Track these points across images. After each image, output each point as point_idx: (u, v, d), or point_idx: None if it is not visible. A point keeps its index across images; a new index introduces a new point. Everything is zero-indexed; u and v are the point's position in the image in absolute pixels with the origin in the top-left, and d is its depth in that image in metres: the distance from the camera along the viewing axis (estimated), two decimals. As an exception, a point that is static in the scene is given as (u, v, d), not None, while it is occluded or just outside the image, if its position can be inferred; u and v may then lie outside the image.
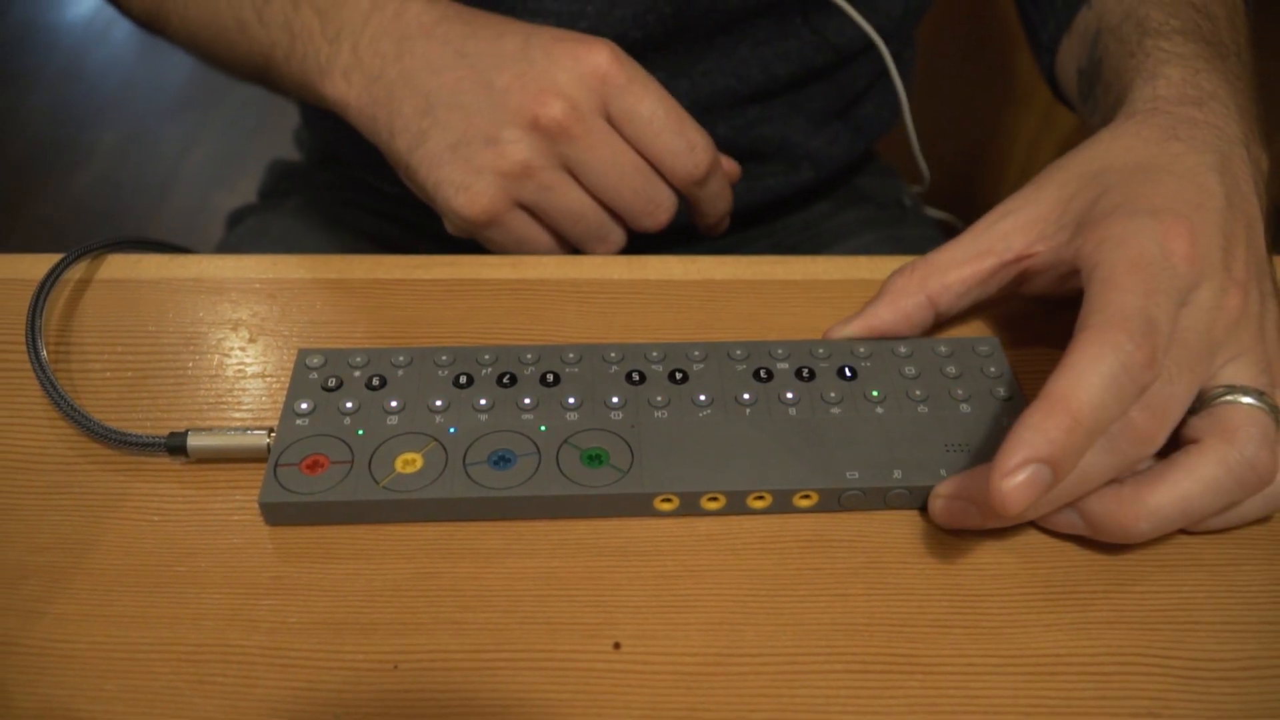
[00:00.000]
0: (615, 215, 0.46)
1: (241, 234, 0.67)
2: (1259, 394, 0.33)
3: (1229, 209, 0.36)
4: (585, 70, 0.43)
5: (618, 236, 0.47)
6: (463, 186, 0.44)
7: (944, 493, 0.34)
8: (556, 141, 0.43)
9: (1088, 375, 0.30)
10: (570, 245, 0.47)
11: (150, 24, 0.56)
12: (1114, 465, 0.32)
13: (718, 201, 0.49)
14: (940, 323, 0.41)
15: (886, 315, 0.40)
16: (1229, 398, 0.33)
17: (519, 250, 0.46)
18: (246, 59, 0.51)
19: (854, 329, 0.40)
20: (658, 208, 0.46)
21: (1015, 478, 0.30)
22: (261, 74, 0.52)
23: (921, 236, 0.69)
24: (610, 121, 0.44)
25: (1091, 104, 0.50)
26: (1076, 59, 0.52)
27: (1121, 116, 0.41)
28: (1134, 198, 0.35)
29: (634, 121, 0.44)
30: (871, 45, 0.54)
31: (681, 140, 0.45)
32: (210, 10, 0.51)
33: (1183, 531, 0.35)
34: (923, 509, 0.35)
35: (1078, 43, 0.53)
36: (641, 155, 0.45)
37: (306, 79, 0.47)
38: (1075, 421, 0.30)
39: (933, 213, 0.71)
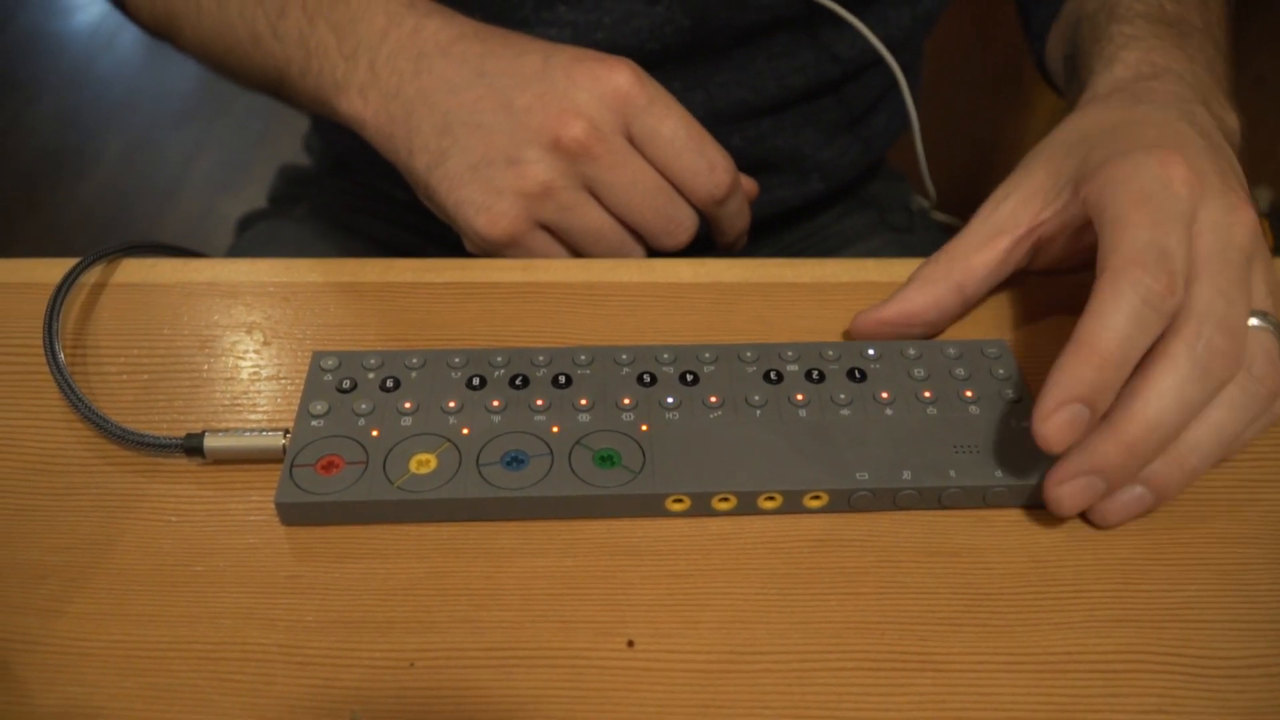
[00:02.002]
0: (635, 234, 0.47)
1: (252, 239, 0.68)
2: (1262, 314, 0.35)
3: (1210, 147, 0.37)
4: (606, 90, 0.43)
5: (638, 255, 0.47)
6: (484, 207, 0.44)
7: (1058, 479, 0.34)
8: (578, 161, 0.43)
9: (1111, 316, 0.32)
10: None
11: (160, 32, 0.56)
12: (1210, 391, 0.33)
13: (736, 220, 0.49)
14: (966, 310, 0.42)
15: (918, 299, 0.40)
16: None
17: None
18: (260, 72, 0.51)
19: (888, 312, 0.40)
20: (678, 227, 0.46)
21: (1055, 418, 0.32)
22: (274, 88, 0.52)
23: (928, 240, 0.70)
24: (631, 141, 0.44)
25: (1073, 89, 0.51)
26: (1062, 47, 0.54)
27: (1084, 101, 0.43)
28: (1122, 144, 0.37)
29: (655, 141, 0.44)
30: (879, 60, 0.55)
31: (703, 160, 0.45)
32: (223, 22, 0.51)
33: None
34: (930, 508, 0.36)
35: (1065, 29, 0.54)
36: (662, 175, 0.45)
37: (321, 95, 0.47)
38: (1105, 360, 0.32)
39: (939, 217, 0.72)
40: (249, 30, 0.50)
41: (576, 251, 0.47)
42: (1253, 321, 0.34)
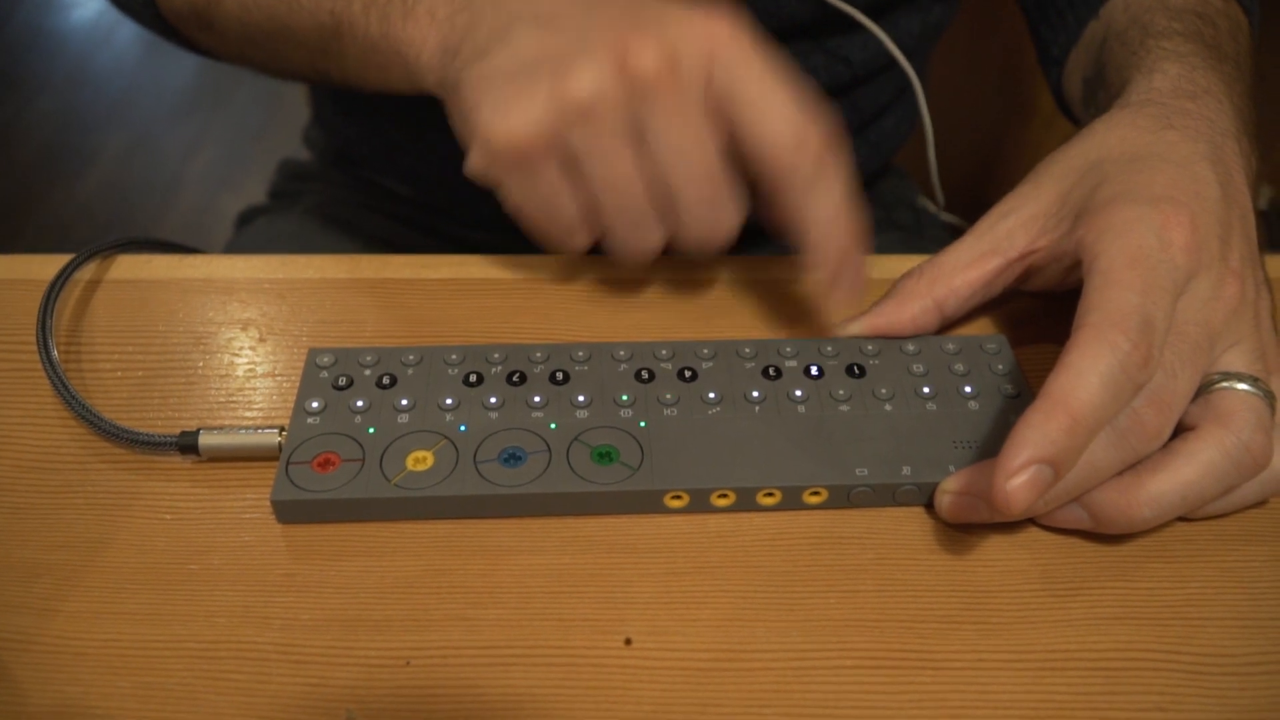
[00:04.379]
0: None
1: (251, 235, 0.67)
2: (1254, 380, 0.34)
3: (1224, 199, 0.36)
4: (700, 32, 0.36)
5: (654, 240, 0.39)
6: (503, 106, 0.36)
7: (951, 489, 0.34)
8: (636, 93, 0.35)
9: (1086, 375, 0.31)
10: (593, 233, 0.40)
11: (196, 14, 0.51)
12: (1123, 460, 0.33)
13: (833, 228, 0.37)
14: (946, 325, 0.41)
15: (893, 316, 0.40)
16: (1224, 384, 0.34)
17: (537, 216, 0.39)
18: (312, 24, 0.46)
19: (860, 327, 0.40)
20: (718, 218, 0.38)
21: (1019, 478, 0.30)
22: (324, 44, 0.46)
23: (932, 238, 0.70)
24: (712, 99, 0.36)
25: (1094, 108, 0.50)
26: (1083, 68, 0.53)
27: (1116, 107, 0.41)
28: (1132, 186, 0.36)
29: (738, 91, 0.36)
30: (892, 63, 0.54)
31: (791, 114, 0.36)
32: None
33: (1182, 519, 0.35)
34: (931, 505, 0.35)
35: (1085, 53, 0.53)
36: (739, 138, 0.36)
37: (386, 26, 0.42)
38: (1075, 422, 0.30)
39: (946, 218, 0.72)
40: None
41: (585, 209, 0.38)
42: (1241, 387, 0.34)
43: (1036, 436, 0.30)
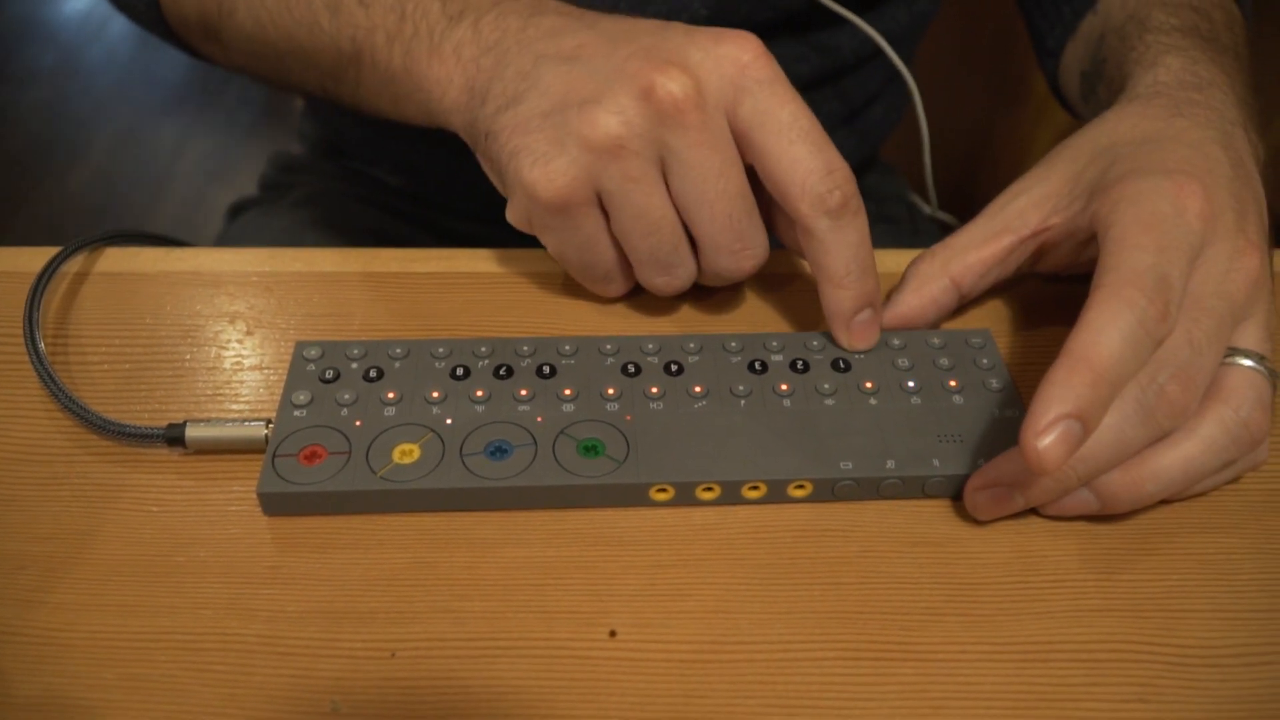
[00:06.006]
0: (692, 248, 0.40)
1: (242, 227, 0.67)
2: (1260, 358, 0.34)
3: (1236, 178, 0.37)
4: (725, 55, 0.36)
5: (685, 271, 0.40)
6: (542, 158, 0.36)
7: (978, 484, 0.34)
8: (664, 123, 0.36)
9: (1106, 331, 0.31)
10: (629, 279, 0.42)
11: (205, 25, 0.51)
12: (1149, 437, 0.33)
13: (854, 269, 0.37)
14: (962, 305, 0.41)
15: (914, 302, 0.40)
16: (1230, 359, 0.34)
17: (575, 262, 0.40)
18: (330, 48, 0.45)
19: (885, 321, 0.40)
20: (746, 249, 0.38)
21: (1049, 435, 0.30)
22: (339, 68, 0.46)
23: (925, 233, 0.70)
24: (736, 128, 0.37)
25: (1094, 102, 0.50)
26: (1080, 62, 0.53)
27: (1124, 100, 0.42)
28: (1145, 162, 0.36)
29: (766, 125, 0.36)
30: (878, 52, 0.54)
31: (820, 157, 0.36)
32: None
33: (1163, 502, 0.35)
34: (915, 498, 0.36)
35: (1081, 47, 0.53)
36: (763, 173, 0.37)
37: (409, 61, 0.42)
38: (1098, 376, 0.31)
39: (939, 215, 0.72)
40: (326, 2, 0.45)
41: (618, 244, 0.39)
42: (1246, 363, 0.34)
43: (1062, 393, 0.30)
